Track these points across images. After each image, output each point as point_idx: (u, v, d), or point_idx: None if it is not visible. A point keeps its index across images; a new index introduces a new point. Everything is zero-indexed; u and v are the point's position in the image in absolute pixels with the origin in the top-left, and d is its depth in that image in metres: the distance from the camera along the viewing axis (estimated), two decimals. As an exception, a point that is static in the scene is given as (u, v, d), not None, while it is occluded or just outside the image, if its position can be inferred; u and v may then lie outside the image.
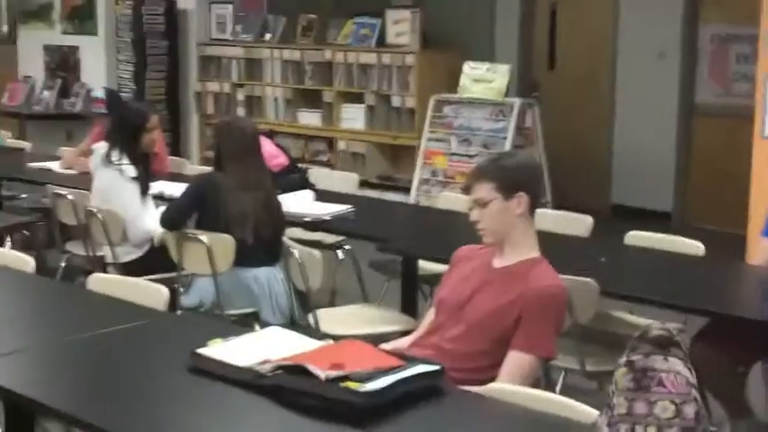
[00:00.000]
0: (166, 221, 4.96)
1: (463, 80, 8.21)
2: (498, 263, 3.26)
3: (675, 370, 2.28)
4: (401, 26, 8.79)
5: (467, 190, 3.29)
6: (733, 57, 8.83)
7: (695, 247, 4.59)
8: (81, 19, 10.78)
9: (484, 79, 8.15)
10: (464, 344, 3.17)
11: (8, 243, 6.52)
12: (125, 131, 5.43)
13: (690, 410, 2.26)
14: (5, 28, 12.22)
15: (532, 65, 10.05)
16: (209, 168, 6.05)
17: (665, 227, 6.58)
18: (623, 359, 2.33)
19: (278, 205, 4.95)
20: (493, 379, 3.03)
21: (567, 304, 3.29)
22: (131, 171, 5.32)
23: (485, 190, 3.20)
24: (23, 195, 7.58)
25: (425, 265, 4.99)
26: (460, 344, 3.17)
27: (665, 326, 2.37)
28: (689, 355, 2.35)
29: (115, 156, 5.33)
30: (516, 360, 3.10)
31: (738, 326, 3.69)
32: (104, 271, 5.29)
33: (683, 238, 4.70)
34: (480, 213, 3.22)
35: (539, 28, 10.01)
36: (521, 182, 3.21)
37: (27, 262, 4.06)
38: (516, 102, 8.06)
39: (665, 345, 2.33)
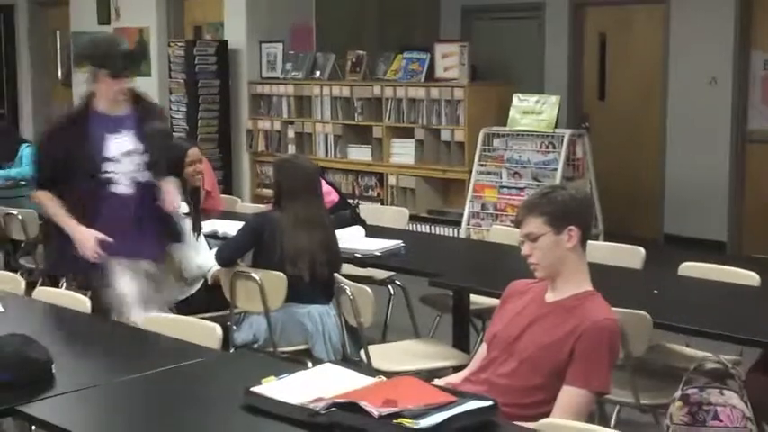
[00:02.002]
0: (223, 258, 5.00)
1: (512, 112, 8.21)
2: (551, 297, 3.25)
3: (731, 404, 2.27)
4: (450, 60, 8.82)
5: (518, 224, 3.29)
6: (786, 83, 8.76)
7: (750, 277, 4.54)
8: (134, 61, 10.94)
9: (533, 111, 8.15)
10: (517, 379, 3.16)
11: (63, 283, 6.61)
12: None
13: (746, 444, 2.24)
14: (60, 72, 12.47)
15: (582, 95, 10.03)
16: (261, 206, 6.12)
17: (719, 256, 6.52)
18: (678, 393, 2.32)
19: (336, 244, 4.97)
20: (547, 414, 3.00)
21: (620, 338, 3.26)
22: (183, 208, 5.38)
23: (535, 224, 3.20)
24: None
25: (477, 299, 4.99)
26: (513, 379, 3.16)
27: (720, 359, 2.36)
28: (745, 386, 2.34)
29: (165, 194, 5.38)
30: (570, 395, 3.08)
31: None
32: (159, 309, 5.34)
33: (737, 269, 4.65)
34: (531, 247, 3.22)
35: (588, 58, 9.99)
36: (571, 215, 3.20)
37: (82, 301, 4.12)
38: (566, 133, 8.03)
39: (720, 378, 2.32)
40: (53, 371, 3.12)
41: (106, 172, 4.58)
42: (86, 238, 4.51)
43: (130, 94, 4.71)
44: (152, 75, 10.74)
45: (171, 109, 10.02)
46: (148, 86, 10.67)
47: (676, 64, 9.24)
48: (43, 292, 4.36)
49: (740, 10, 8.83)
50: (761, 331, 3.78)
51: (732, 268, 4.68)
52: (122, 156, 4.61)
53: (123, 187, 4.62)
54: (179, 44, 9.97)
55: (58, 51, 12.51)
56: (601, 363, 3.09)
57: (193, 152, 5.64)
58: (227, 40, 9.96)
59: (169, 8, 10.76)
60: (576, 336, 3.08)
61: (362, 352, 4.48)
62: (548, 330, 3.16)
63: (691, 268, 4.73)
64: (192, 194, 5.50)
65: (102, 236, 4.49)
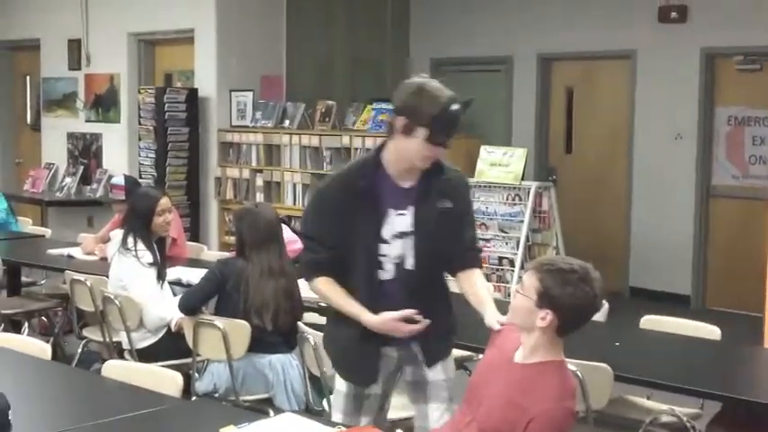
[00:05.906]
0: (186, 306, 4.99)
1: (480, 164, 8.27)
2: (519, 356, 3.18)
3: (685, 457, 2.27)
4: (418, 111, 8.85)
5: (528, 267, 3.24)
6: (749, 139, 8.87)
7: (711, 330, 4.57)
8: (104, 107, 10.98)
9: (500, 163, 8.21)
10: None
11: (26, 329, 6.56)
12: (137, 217, 5.51)
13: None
14: (29, 116, 12.45)
15: (549, 148, 10.12)
16: (227, 254, 6.11)
17: (683, 310, 6.56)
18: (634, 446, 2.32)
19: (299, 292, 4.97)
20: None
21: (573, 416, 3.19)
22: (148, 257, 5.37)
23: (529, 283, 3.09)
24: (42, 281, 7.64)
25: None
26: None
27: (676, 412, 2.37)
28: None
29: (131, 242, 5.38)
30: None
31: (753, 410, 3.66)
32: (121, 357, 5.31)
33: (697, 322, 4.68)
34: (518, 293, 3.16)
35: (555, 111, 10.10)
36: (560, 304, 3.03)
37: (43, 348, 4.09)
38: (533, 185, 8.10)
39: (678, 431, 2.33)
40: (9, 417, 3.09)
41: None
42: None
43: None
44: (121, 121, 10.74)
45: (140, 155, 10.02)
46: (117, 133, 10.73)
47: (642, 118, 9.35)
48: (4, 339, 4.32)
49: (705, 65, 8.96)
50: (720, 385, 3.81)
51: (693, 322, 4.71)
52: None
53: None
54: (149, 91, 9.98)
55: (28, 96, 12.49)
56: None
57: (164, 202, 5.65)
58: (197, 88, 9.99)
59: (140, 55, 10.79)
60: (527, 419, 3.03)
61: (325, 402, 4.46)
62: (505, 405, 3.10)
63: (652, 321, 4.76)
64: (158, 244, 5.49)
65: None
